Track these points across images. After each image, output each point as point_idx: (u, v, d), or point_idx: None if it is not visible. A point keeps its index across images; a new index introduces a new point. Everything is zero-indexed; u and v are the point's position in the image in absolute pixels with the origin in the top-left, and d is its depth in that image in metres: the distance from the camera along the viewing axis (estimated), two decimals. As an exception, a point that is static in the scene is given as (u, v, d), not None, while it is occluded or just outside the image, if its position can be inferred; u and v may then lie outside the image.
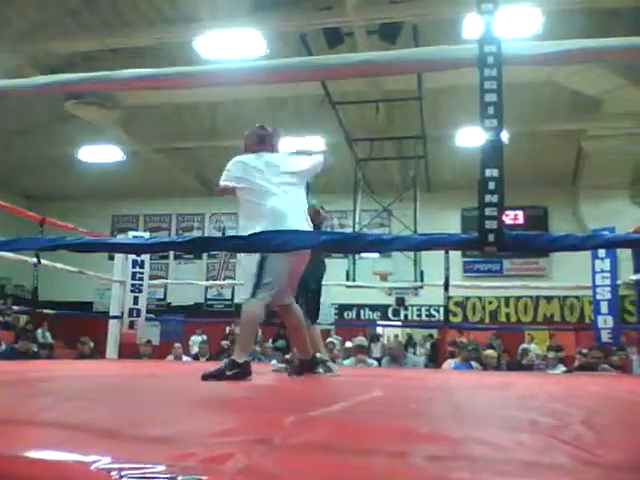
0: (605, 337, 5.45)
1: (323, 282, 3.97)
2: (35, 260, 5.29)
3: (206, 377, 2.63)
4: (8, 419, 1.29)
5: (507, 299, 12.53)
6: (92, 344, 8.50)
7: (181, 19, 7.90)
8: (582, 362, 6.77)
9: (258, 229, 2.47)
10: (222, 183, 3.02)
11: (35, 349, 8.35)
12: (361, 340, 7.15)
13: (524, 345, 10.18)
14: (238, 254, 2.52)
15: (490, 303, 12.65)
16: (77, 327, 9.05)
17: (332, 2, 7.50)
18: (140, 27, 8.02)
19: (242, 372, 2.70)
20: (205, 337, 10.65)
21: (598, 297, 5.50)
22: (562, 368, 7.19)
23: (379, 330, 12.19)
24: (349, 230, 11.56)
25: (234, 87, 6.93)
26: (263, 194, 2.97)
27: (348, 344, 7.68)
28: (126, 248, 3.01)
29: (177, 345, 8.87)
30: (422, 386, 2.42)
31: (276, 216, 2.87)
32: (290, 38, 7.97)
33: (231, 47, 7.40)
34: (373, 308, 12.75)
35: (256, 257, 2.92)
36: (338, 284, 7.45)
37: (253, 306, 2.89)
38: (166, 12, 8.02)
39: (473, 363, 7.30)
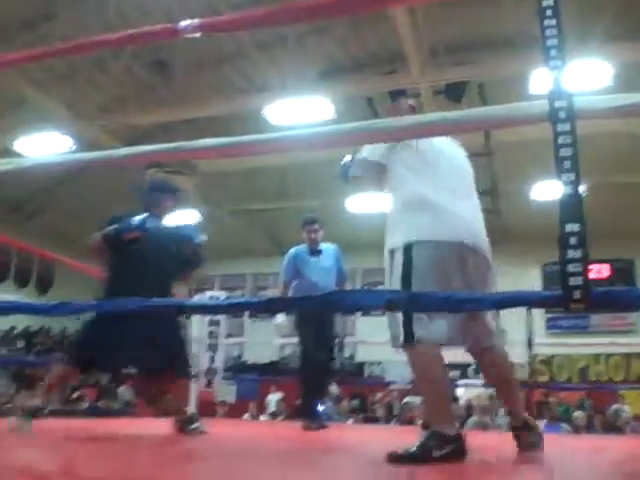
0: None
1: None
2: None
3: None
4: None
5: (596, 357, 11.80)
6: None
7: (251, 90, 8.29)
8: (685, 425, 6.23)
9: None
10: None
11: (117, 407, 8.57)
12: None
13: (616, 405, 9.50)
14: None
15: (578, 361, 11.96)
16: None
17: (397, 66, 7.66)
18: (213, 99, 8.47)
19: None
20: (281, 395, 10.59)
21: (697, 353, 5.10)
22: (662, 431, 6.64)
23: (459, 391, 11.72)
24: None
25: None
26: None
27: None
28: (203, 310, 3.08)
29: (251, 405, 9.02)
30: (510, 449, 2.28)
31: None
32: (357, 101, 8.17)
33: (300, 113, 7.65)
34: (452, 367, 12.31)
35: None
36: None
37: None
38: (237, 84, 8.45)
39: (563, 425, 6.88)
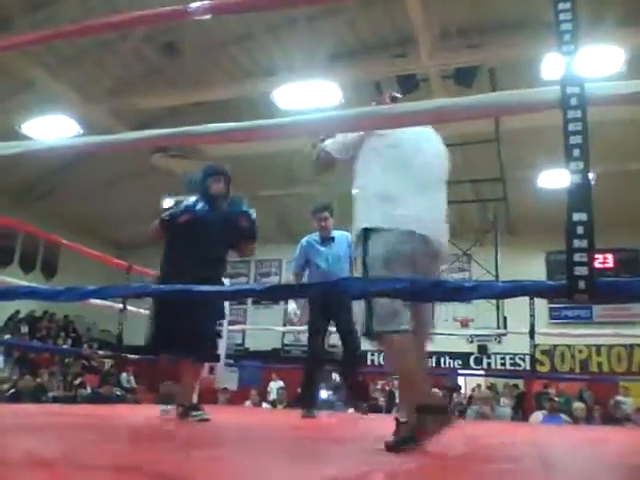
0: None
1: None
2: (121, 306, 5.56)
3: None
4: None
5: (598, 347, 11.79)
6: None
7: (260, 73, 8.23)
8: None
9: None
10: None
11: (118, 393, 8.62)
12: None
13: (618, 397, 9.51)
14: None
15: (580, 352, 11.94)
16: (159, 372, 9.24)
17: (406, 50, 7.59)
18: (222, 82, 8.42)
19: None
20: (282, 383, 10.64)
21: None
22: (663, 423, 6.65)
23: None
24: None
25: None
26: None
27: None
28: (207, 295, 3.08)
29: (253, 392, 9.29)
30: (510, 441, 2.28)
31: None
32: (364, 86, 8.11)
33: (308, 97, 7.62)
34: (454, 356, 12.34)
35: None
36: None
37: None
38: (246, 67, 8.39)
39: (563, 416, 6.89)
